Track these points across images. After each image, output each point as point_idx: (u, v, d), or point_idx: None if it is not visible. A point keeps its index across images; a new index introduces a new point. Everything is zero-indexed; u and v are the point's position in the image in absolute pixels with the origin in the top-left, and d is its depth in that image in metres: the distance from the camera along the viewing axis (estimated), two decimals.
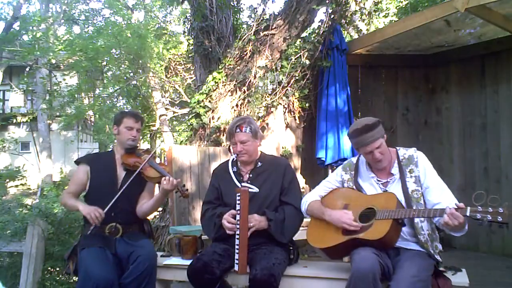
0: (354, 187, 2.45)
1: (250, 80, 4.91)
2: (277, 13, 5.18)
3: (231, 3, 5.99)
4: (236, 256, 2.40)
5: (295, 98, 5.14)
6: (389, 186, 2.37)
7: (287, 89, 5.02)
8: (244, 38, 5.09)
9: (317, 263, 2.73)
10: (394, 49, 5.72)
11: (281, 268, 2.35)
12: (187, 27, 6.54)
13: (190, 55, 7.41)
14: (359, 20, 8.85)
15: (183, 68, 12.94)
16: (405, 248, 2.26)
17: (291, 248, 2.56)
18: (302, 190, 3.35)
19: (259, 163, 2.67)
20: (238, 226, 2.42)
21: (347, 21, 6.55)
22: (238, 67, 5.00)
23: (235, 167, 2.66)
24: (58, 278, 3.89)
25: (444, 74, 5.78)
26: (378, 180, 2.40)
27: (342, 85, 5.14)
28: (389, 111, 6.00)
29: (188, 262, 2.46)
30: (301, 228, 2.64)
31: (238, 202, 2.43)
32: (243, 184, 2.57)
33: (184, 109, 12.27)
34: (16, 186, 12.89)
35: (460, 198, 2.16)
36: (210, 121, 4.80)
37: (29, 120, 14.97)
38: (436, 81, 5.85)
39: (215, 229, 2.55)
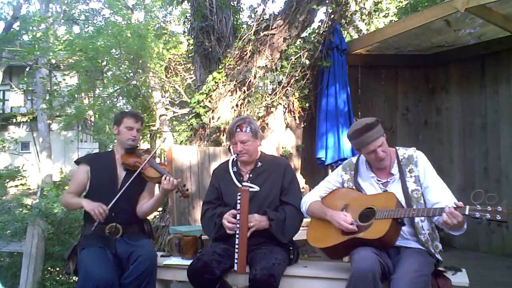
0: (354, 187, 2.45)
1: (250, 80, 4.91)
2: (277, 13, 5.18)
3: (231, 3, 5.99)
4: (236, 256, 2.40)
5: (295, 98, 5.14)
6: (389, 186, 2.37)
7: (287, 89, 5.03)
8: (244, 38, 5.09)
9: (317, 263, 2.73)
10: (394, 49, 5.72)
11: (281, 268, 2.35)
12: (187, 27, 6.54)
13: (190, 55, 7.41)
14: (359, 20, 8.85)
15: (183, 68, 12.95)
16: (406, 247, 2.27)
17: (291, 248, 2.56)
18: (302, 190, 3.36)
19: (259, 163, 2.67)
20: (238, 226, 2.42)
21: (347, 21, 6.55)
22: (238, 67, 5.00)
23: (235, 167, 2.67)
24: (58, 278, 3.89)
25: (444, 74, 5.78)
26: (378, 180, 2.40)
27: (342, 85, 5.14)
28: (389, 111, 6.00)
29: (188, 262, 2.46)
30: (301, 228, 2.64)
31: (238, 201, 2.43)
32: (243, 183, 2.58)
33: (184, 109, 12.28)
34: (16, 186, 12.89)
35: (460, 198, 2.16)
36: (210, 121, 4.80)
37: (29, 120, 14.98)
38: (436, 81, 5.85)
39: (216, 229, 2.55)
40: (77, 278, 2.57)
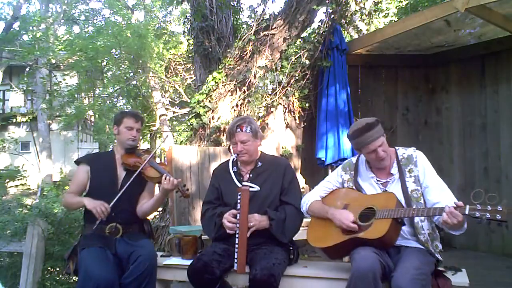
0: (354, 187, 2.45)
1: (250, 80, 4.91)
2: (277, 13, 5.18)
3: (231, 3, 5.98)
4: (235, 255, 2.41)
5: (295, 98, 5.14)
6: (389, 186, 2.37)
7: (287, 89, 5.02)
8: (244, 38, 5.09)
9: (317, 263, 2.73)
10: (394, 49, 5.72)
11: (281, 268, 2.35)
12: (187, 27, 6.54)
13: (190, 55, 7.41)
14: (359, 20, 8.85)
15: (183, 68, 12.95)
16: (406, 246, 2.27)
17: (291, 248, 2.56)
18: (302, 190, 3.35)
19: (259, 163, 2.67)
20: (238, 226, 2.43)
21: (347, 21, 6.55)
22: (238, 67, 5.00)
23: (235, 167, 2.67)
24: (58, 278, 3.88)
25: (444, 74, 5.78)
26: (377, 180, 2.40)
27: (342, 85, 5.14)
28: (389, 111, 6.00)
29: (188, 262, 2.46)
30: (301, 228, 2.64)
31: (238, 201, 2.44)
32: (244, 183, 2.58)
33: (184, 109, 12.28)
34: (16, 186, 12.89)
35: (460, 198, 2.16)
36: (210, 121, 4.80)
37: (29, 120, 14.98)
38: (436, 81, 5.85)
39: (216, 228, 2.55)
40: (77, 278, 2.57)
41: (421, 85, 5.95)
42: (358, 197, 2.38)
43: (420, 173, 2.32)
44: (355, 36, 8.68)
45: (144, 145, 15.61)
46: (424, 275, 2.04)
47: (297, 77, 5.06)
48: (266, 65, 4.96)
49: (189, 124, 4.89)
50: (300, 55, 5.05)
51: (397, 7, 10.38)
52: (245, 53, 5.04)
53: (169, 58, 12.81)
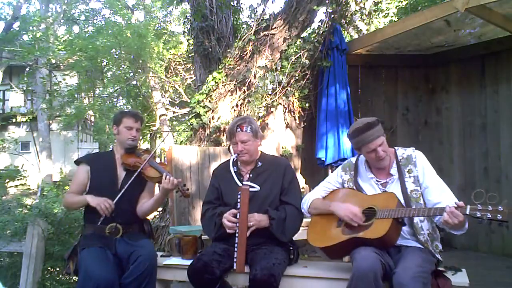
0: (354, 187, 2.45)
1: (250, 80, 4.91)
2: (277, 13, 5.17)
3: (231, 3, 5.98)
4: (235, 255, 2.41)
5: (295, 98, 5.14)
6: (388, 186, 2.37)
7: (287, 89, 5.02)
8: (244, 38, 5.09)
9: (317, 263, 2.73)
10: (394, 49, 5.72)
11: (281, 268, 2.35)
12: (187, 27, 6.54)
13: (190, 55, 7.41)
14: (359, 20, 8.85)
15: (183, 68, 12.95)
16: (406, 246, 2.27)
17: (291, 248, 2.56)
18: (302, 190, 3.36)
19: (259, 163, 2.67)
20: (238, 225, 2.42)
21: (347, 21, 6.56)
22: (238, 67, 5.00)
23: (235, 167, 2.66)
24: (58, 278, 3.88)
25: (444, 74, 5.78)
26: (377, 181, 2.40)
27: (342, 85, 5.14)
28: (389, 111, 6.00)
29: (188, 262, 2.46)
30: (301, 228, 2.64)
31: (239, 200, 2.44)
32: (244, 182, 2.58)
33: (184, 109, 12.27)
34: (16, 186, 12.88)
35: (460, 198, 2.16)
36: (210, 121, 4.80)
37: (29, 120, 14.97)
38: (436, 81, 5.85)
39: (216, 228, 2.55)
40: (77, 278, 2.57)
41: (421, 85, 5.95)
42: (359, 197, 2.38)
43: (420, 173, 2.32)
44: (355, 36, 8.68)
45: (144, 145, 15.61)
46: (425, 273, 2.04)
47: (297, 77, 5.06)
48: (266, 65, 4.96)
49: (189, 124, 4.88)
50: (300, 55, 5.05)
51: (397, 7, 10.37)
52: (245, 53, 5.04)
53: (169, 58, 12.81)
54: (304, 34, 5.40)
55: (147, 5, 14.79)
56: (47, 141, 14.34)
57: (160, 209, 4.56)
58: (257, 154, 2.68)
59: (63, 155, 16.30)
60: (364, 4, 7.99)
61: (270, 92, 4.92)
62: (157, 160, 2.97)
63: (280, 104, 5.05)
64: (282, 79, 4.95)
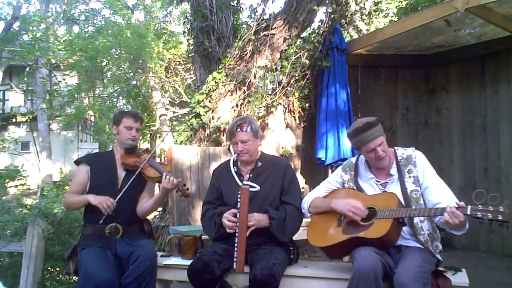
0: (354, 187, 2.45)
1: (250, 80, 4.91)
2: (277, 13, 5.18)
3: (231, 3, 5.98)
4: (235, 254, 2.41)
5: (295, 98, 5.14)
6: (388, 186, 2.37)
7: (287, 89, 5.02)
8: (244, 38, 5.09)
9: (317, 263, 2.73)
10: (394, 49, 5.72)
11: (281, 268, 2.35)
12: (187, 27, 6.54)
13: (190, 55, 7.41)
14: (359, 20, 8.85)
15: (183, 68, 12.94)
16: (407, 246, 2.27)
17: (291, 248, 2.56)
18: (302, 190, 3.35)
19: (259, 163, 2.67)
20: (238, 225, 2.42)
21: (347, 21, 6.55)
22: (238, 67, 5.00)
23: (235, 167, 2.66)
24: (58, 278, 3.89)
25: (444, 74, 5.78)
26: (377, 181, 2.40)
27: (342, 85, 5.14)
28: (389, 111, 6.00)
29: (188, 262, 2.46)
30: (301, 228, 2.64)
31: (239, 200, 2.44)
32: (244, 182, 2.57)
33: (184, 109, 12.27)
34: (16, 186, 12.88)
35: (460, 198, 2.16)
36: (210, 121, 4.80)
37: (29, 120, 14.97)
38: (436, 81, 5.85)
39: (216, 228, 2.55)
40: (77, 278, 2.56)
41: (421, 85, 5.95)
42: (359, 197, 2.37)
43: (420, 173, 2.31)
44: (355, 36, 8.68)
45: (144, 145, 15.61)
46: (425, 273, 2.04)
47: (297, 77, 5.06)
48: (266, 65, 4.96)
49: (189, 124, 4.88)
50: (300, 55, 5.04)
51: (397, 7, 10.37)
52: (245, 53, 5.04)
53: (169, 58, 12.81)
54: (304, 34, 5.40)
55: (147, 5, 14.79)
56: (47, 141, 14.35)
57: (160, 209, 4.56)
58: (257, 154, 2.68)
59: (63, 155, 16.30)
60: (364, 4, 7.99)
61: (270, 92, 4.92)
62: (157, 160, 2.97)
63: (280, 104, 5.05)
64: (282, 79, 4.95)
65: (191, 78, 11.55)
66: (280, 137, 5.11)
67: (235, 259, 2.41)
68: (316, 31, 5.23)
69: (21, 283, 3.60)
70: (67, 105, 12.50)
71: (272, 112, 5.02)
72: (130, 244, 2.58)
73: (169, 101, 14.02)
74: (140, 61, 11.74)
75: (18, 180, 12.89)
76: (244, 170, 2.66)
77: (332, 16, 5.19)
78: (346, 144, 4.91)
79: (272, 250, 2.43)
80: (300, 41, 5.29)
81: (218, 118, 4.81)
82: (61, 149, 16.23)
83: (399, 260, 2.14)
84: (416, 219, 2.25)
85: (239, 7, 6.24)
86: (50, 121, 14.69)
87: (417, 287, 1.95)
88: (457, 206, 2.03)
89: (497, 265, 4.62)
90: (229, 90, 4.91)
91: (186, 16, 7.28)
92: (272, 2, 5.55)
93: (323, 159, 5.05)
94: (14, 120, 15.23)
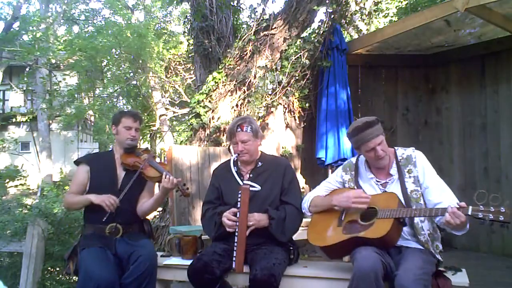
0: (355, 187, 2.45)
1: (250, 80, 4.91)
2: (277, 13, 5.17)
3: (231, 3, 5.98)
4: (234, 254, 2.41)
5: (295, 98, 5.14)
6: (388, 186, 2.37)
7: (287, 89, 5.02)
8: (244, 38, 5.09)
9: (317, 263, 2.73)
10: (394, 49, 5.72)
11: (281, 268, 2.35)
12: (187, 27, 6.54)
13: (190, 55, 7.41)
14: (359, 20, 8.85)
15: (183, 68, 12.94)
16: (407, 246, 2.27)
17: (291, 248, 2.56)
18: (302, 190, 3.35)
19: (259, 163, 2.67)
20: (237, 224, 2.42)
21: (347, 21, 6.55)
22: (238, 67, 5.00)
23: (235, 167, 2.66)
24: (58, 278, 3.88)
25: (444, 74, 5.78)
26: (377, 181, 2.40)
27: (342, 85, 5.14)
28: (389, 111, 6.00)
29: (188, 262, 2.46)
30: (301, 228, 2.64)
31: (239, 199, 2.44)
32: (244, 181, 2.57)
33: (184, 109, 12.27)
34: (16, 186, 12.89)
35: (460, 198, 2.16)
36: (210, 121, 4.80)
37: (29, 120, 14.97)
38: (436, 81, 5.85)
39: (216, 227, 2.55)
40: (77, 278, 2.56)
41: (421, 85, 5.95)
42: None
43: (420, 173, 2.31)
44: (355, 36, 8.68)
45: (144, 145, 15.60)
46: (426, 275, 2.04)
47: (297, 77, 5.06)
48: (266, 65, 4.96)
49: (189, 124, 4.88)
50: (300, 55, 5.04)
51: (397, 7, 10.37)
52: (245, 53, 5.04)
53: (169, 58, 12.80)
54: (304, 34, 5.40)
55: (147, 5, 14.79)
56: (47, 141, 14.34)
57: (160, 209, 4.56)
58: (257, 154, 2.68)
59: (63, 155, 16.30)
60: (364, 4, 7.98)
61: (270, 92, 4.91)
62: (157, 160, 2.97)
63: (280, 104, 5.05)
64: (282, 79, 4.95)
65: (191, 78, 11.54)
66: (280, 137, 5.11)
67: (234, 259, 2.41)
68: (316, 31, 5.23)
69: (21, 283, 3.60)
70: (67, 105, 12.50)
71: (272, 112, 5.02)
72: (130, 244, 2.58)
73: (169, 101, 14.01)
74: (140, 61, 11.74)
75: (18, 180, 12.90)
76: (244, 170, 2.66)
77: (332, 16, 5.18)
78: (346, 144, 4.91)
79: (272, 250, 2.43)
80: (300, 41, 5.29)
81: (218, 118, 4.81)
82: (61, 149, 16.23)
83: (400, 261, 2.14)
84: (416, 219, 2.25)
85: (239, 7, 6.23)
86: (50, 121, 14.68)
87: None
88: (458, 206, 2.02)
89: (497, 265, 4.62)
90: (229, 90, 4.91)
91: (186, 16, 7.28)
92: (272, 2, 5.55)
93: (323, 159, 5.05)
94: (14, 120, 15.24)
